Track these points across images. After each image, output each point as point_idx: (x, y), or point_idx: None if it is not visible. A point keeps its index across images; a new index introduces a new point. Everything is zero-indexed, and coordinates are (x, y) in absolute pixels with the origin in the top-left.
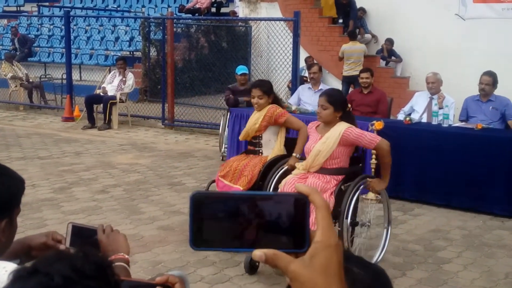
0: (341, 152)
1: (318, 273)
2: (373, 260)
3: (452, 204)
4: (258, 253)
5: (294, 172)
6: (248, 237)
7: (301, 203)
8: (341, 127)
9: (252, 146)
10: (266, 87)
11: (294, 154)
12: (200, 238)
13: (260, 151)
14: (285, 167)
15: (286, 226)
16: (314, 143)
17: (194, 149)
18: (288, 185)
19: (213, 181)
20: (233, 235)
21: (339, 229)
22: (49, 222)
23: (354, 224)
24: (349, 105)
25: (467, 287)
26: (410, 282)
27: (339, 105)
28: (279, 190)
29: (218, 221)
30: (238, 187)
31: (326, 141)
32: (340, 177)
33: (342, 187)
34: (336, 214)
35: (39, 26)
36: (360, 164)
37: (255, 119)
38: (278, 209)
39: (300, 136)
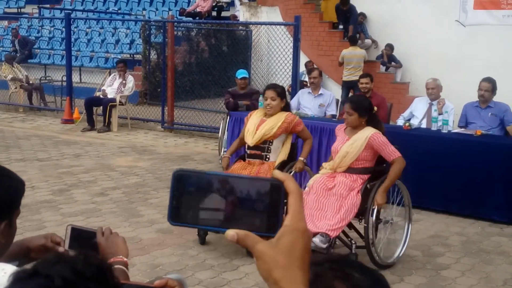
0: (367, 154)
1: (281, 253)
2: (395, 256)
3: (451, 210)
4: (231, 233)
5: (321, 171)
6: (224, 217)
7: (276, 188)
8: (368, 132)
9: (258, 150)
10: (280, 89)
11: (301, 158)
12: (178, 214)
13: (268, 156)
14: (293, 171)
15: (261, 210)
16: (342, 144)
17: (193, 153)
18: (318, 183)
19: None
20: (210, 214)
21: (365, 225)
22: (48, 224)
23: (378, 221)
24: (375, 108)
25: None
26: None
27: (363, 111)
28: (307, 188)
29: (196, 199)
30: None
31: (354, 144)
32: (366, 176)
33: (368, 185)
34: (363, 211)
35: (40, 28)
36: (384, 164)
37: (272, 124)
38: (254, 193)
39: (306, 144)
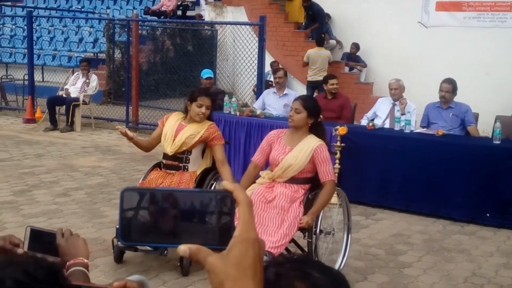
0: (312, 166)
1: (231, 265)
2: (335, 267)
3: (413, 209)
4: (183, 248)
5: (258, 181)
6: (175, 233)
7: (227, 200)
8: (313, 142)
9: (176, 161)
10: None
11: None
12: (129, 233)
13: (187, 167)
14: (218, 182)
15: (212, 223)
16: (282, 155)
17: (158, 152)
18: (256, 195)
19: None
20: (161, 231)
21: (309, 240)
22: (9, 225)
23: (320, 232)
24: (321, 116)
25: None
26: (371, 286)
27: (313, 112)
28: None
29: (147, 217)
30: None
31: (299, 156)
32: (307, 186)
33: (309, 195)
34: None
35: (1, 26)
36: None
37: (193, 131)
38: (204, 206)
39: (223, 170)
